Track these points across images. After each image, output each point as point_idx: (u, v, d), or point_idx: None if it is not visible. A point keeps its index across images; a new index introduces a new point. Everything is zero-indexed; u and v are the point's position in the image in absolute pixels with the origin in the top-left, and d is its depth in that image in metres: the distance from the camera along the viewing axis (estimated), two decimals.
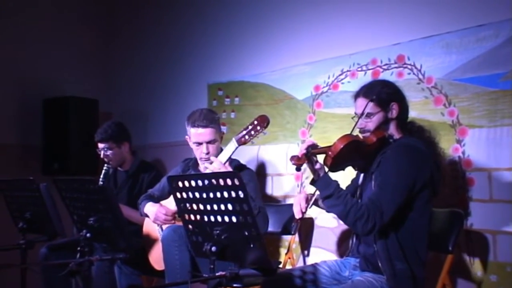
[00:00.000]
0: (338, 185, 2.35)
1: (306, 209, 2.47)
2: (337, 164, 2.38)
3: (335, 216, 2.95)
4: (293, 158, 2.34)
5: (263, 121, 2.87)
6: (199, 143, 3.08)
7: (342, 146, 2.32)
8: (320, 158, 2.40)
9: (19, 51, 4.73)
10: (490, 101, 2.83)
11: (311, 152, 2.34)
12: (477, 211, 2.86)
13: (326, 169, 2.39)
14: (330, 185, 2.33)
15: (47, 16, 4.96)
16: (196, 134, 3.08)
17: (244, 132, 2.89)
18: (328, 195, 2.32)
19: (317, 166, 2.38)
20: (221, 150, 3.03)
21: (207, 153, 3.07)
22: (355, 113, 2.55)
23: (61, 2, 5.10)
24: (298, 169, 2.33)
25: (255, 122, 2.88)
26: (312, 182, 2.40)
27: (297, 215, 2.49)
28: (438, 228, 2.64)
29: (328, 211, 2.57)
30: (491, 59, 2.83)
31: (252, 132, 2.87)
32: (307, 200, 2.49)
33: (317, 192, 2.50)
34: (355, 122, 2.49)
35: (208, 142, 3.07)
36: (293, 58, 3.82)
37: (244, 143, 2.90)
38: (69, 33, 5.10)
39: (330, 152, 2.34)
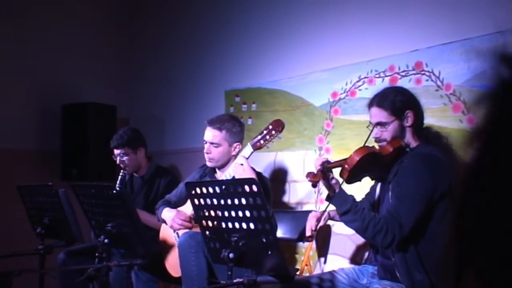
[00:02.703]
0: (354, 199, 2.32)
1: (316, 228, 2.50)
2: (353, 176, 2.36)
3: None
4: (308, 175, 2.29)
5: (278, 126, 2.88)
6: (205, 142, 3.14)
7: (358, 159, 2.29)
8: (335, 171, 2.38)
9: (39, 57, 4.79)
10: None
11: (327, 167, 2.29)
12: None
13: (340, 180, 2.36)
14: (347, 201, 2.29)
15: (66, 23, 5.01)
16: (205, 132, 3.15)
17: (259, 137, 2.90)
18: (345, 211, 2.28)
19: (333, 181, 2.33)
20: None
21: (208, 153, 3.11)
22: (370, 122, 2.53)
23: (81, 9, 5.15)
24: (314, 185, 2.30)
25: (270, 127, 2.89)
26: (328, 198, 2.37)
27: (308, 233, 2.55)
28: None
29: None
30: None
31: (267, 137, 2.88)
32: (318, 219, 2.54)
33: (329, 208, 2.51)
34: (369, 133, 2.46)
35: (212, 143, 3.10)
36: (310, 64, 3.82)
37: (260, 147, 2.91)
38: (88, 39, 5.15)
39: (346, 165, 2.31)
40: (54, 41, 4.90)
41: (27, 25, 4.74)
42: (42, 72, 4.82)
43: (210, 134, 3.11)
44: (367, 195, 2.76)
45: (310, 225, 2.53)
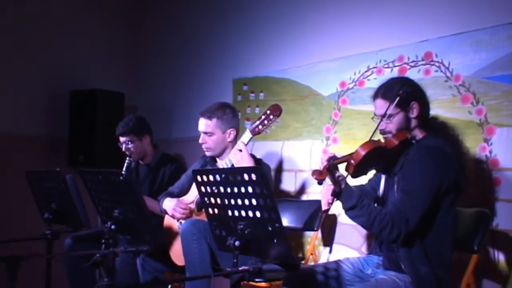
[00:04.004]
0: (360, 195, 2.30)
1: (332, 201, 2.40)
2: (359, 170, 2.33)
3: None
4: (314, 173, 2.23)
5: (276, 110, 2.93)
6: (200, 132, 3.18)
7: (364, 154, 2.26)
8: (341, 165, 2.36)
9: (47, 44, 4.79)
10: None
11: (333, 164, 2.24)
12: (503, 211, 2.82)
13: (345, 174, 2.31)
14: (352, 196, 2.26)
15: (75, 9, 5.01)
16: (198, 123, 3.19)
17: (258, 122, 2.94)
18: (351, 206, 2.26)
19: (339, 177, 2.28)
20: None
21: (203, 143, 3.16)
22: (375, 113, 2.51)
23: None
24: (320, 183, 2.26)
25: (268, 112, 2.94)
26: (334, 194, 2.32)
27: (324, 207, 2.46)
28: (464, 228, 2.60)
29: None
30: None
31: (266, 122, 2.92)
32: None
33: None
34: (376, 127, 2.41)
35: (205, 133, 3.14)
36: (319, 54, 3.80)
37: (259, 133, 2.95)
38: (97, 26, 5.15)
39: (352, 160, 2.27)
40: (64, 27, 4.89)
41: (37, 11, 4.74)
42: (51, 58, 4.82)
43: (203, 124, 3.15)
44: (369, 180, 2.75)
45: (327, 199, 2.41)
